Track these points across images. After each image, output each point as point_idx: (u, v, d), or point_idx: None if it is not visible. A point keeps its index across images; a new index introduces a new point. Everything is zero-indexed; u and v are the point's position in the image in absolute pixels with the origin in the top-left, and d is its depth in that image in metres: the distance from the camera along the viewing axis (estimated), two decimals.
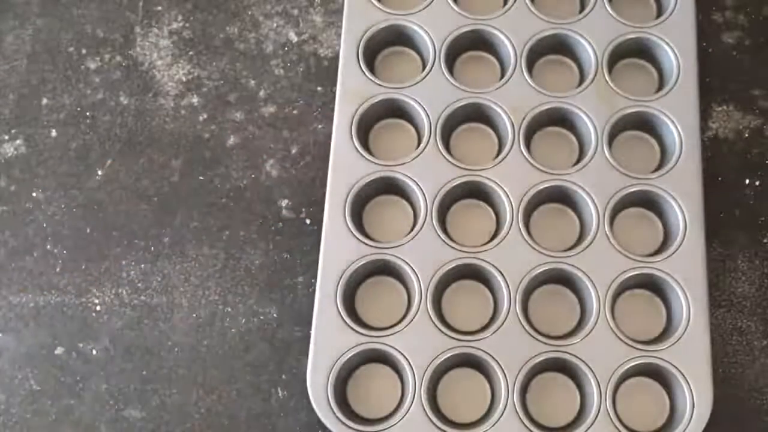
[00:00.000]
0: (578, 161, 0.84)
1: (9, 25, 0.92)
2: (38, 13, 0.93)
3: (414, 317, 0.78)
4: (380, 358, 0.79)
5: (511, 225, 0.81)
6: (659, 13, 0.89)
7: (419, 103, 0.85)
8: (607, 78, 0.85)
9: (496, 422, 0.76)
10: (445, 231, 0.82)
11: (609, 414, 0.76)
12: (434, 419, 0.76)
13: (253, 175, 0.87)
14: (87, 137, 0.89)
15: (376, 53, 0.89)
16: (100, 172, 0.88)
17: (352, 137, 0.84)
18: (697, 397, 0.76)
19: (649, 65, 0.88)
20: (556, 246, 0.81)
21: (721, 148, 0.87)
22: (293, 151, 0.88)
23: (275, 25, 0.93)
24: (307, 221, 0.85)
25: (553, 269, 0.80)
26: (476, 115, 0.86)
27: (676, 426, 0.76)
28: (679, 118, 0.83)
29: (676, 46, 0.86)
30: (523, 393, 0.78)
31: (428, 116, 0.84)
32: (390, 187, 0.84)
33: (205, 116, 0.90)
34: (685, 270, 0.79)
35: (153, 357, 0.82)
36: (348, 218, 0.81)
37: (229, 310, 0.83)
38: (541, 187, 0.82)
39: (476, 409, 0.79)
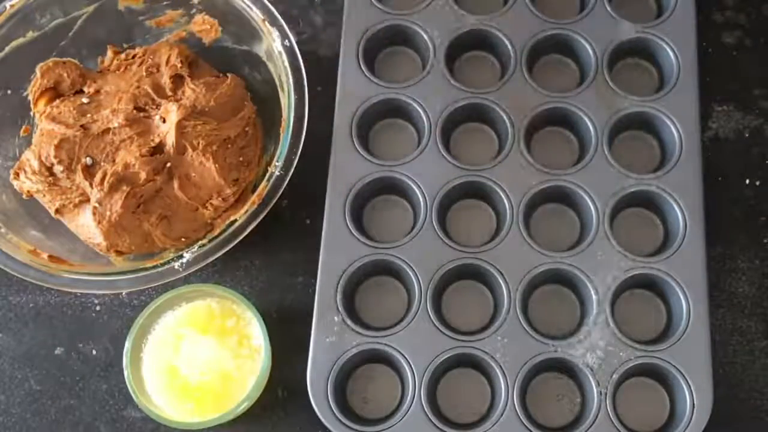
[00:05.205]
0: (578, 161, 0.84)
1: None
2: None
3: (414, 317, 0.78)
4: (380, 358, 0.79)
5: (511, 225, 0.81)
6: (659, 13, 0.89)
7: (419, 103, 0.85)
8: (607, 78, 0.85)
9: (496, 422, 0.76)
10: (445, 231, 0.82)
11: (609, 414, 0.76)
12: (434, 419, 0.76)
13: None
14: None
15: (376, 53, 0.89)
16: None
17: (352, 137, 0.84)
18: (697, 397, 0.76)
19: (649, 65, 0.88)
20: (556, 246, 0.81)
21: (721, 148, 0.87)
22: None
23: None
24: (307, 221, 0.85)
25: (553, 269, 0.80)
26: (476, 115, 0.86)
27: (676, 426, 0.76)
28: (679, 118, 0.83)
29: (676, 46, 0.86)
30: (523, 393, 0.78)
31: (428, 116, 0.84)
32: (390, 187, 0.84)
33: None
34: (685, 270, 0.79)
35: None
36: (348, 218, 0.81)
37: None
38: (541, 187, 0.82)
39: (476, 409, 0.79)
